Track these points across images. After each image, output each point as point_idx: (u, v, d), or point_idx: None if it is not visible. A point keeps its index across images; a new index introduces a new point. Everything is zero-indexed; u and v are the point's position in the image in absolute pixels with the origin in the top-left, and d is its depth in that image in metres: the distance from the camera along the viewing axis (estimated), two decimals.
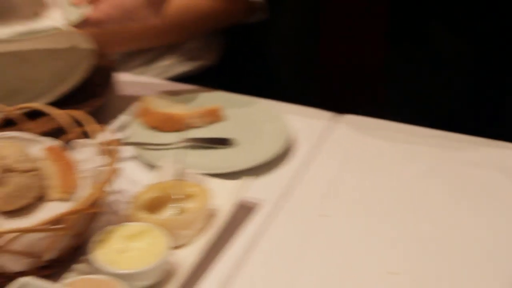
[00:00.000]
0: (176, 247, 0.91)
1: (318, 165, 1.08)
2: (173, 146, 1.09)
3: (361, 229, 0.97)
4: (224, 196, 0.96)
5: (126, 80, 1.30)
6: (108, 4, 1.13)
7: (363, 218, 0.99)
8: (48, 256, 0.86)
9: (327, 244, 0.95)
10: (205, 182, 0.98)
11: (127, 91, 1.27)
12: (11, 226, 0.89)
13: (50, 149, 0.98)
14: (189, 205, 0.95)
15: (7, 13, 1.14)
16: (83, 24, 1.13)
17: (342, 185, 1.04)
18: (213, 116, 1.15)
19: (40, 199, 0.95)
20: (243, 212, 0.98)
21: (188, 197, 0.95)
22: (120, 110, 1.22)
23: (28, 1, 1.18)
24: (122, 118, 1.19)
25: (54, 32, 1.10)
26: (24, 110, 1.03)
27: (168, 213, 0.95)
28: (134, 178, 1.05)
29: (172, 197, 0.95)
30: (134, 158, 1.09)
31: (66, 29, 1.10)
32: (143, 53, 1.53)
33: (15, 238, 0.82)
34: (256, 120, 1.16)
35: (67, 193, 0.94)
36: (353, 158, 1.10)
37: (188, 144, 1.08)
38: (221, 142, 1.10)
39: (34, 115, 1.09)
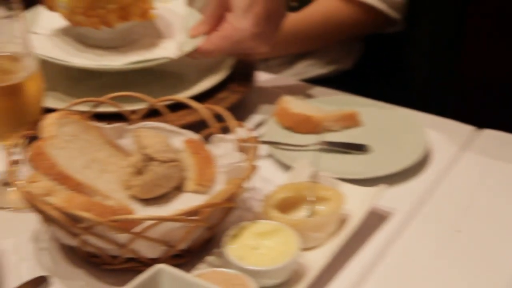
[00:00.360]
0: (306, 249, 0.91)
1: (454, 178, 1.06)
2: (308, 148, 1.10)
3: (496, 248, 0.94)
4: (356, 202, 0.96)
5: (265, 79, 1.32)
6: (218, 36, 1.19)
7: (498, 236, 0.96)
8: (181, 245, 0.88)
9: (459, 261, 0.92)
10: (339, 186, 0.98)
11: (265, 90, 1.29)
12: (148, 213, 0.93)
13: (190, 142, 1.01)
14: (322, 208, 0.95)
15: (129, 45, 1.22)
16: (193, 54, 1.20)
17: (478, 200, 1.02)
18: (350, 121, 1.15)
19: (176, 189, 0.97)
20: (374, 219, 0.98)
21: (320, 200, 0.95)
22: (257, 108, 1.24)
23: (148, 33, 1.25)
24: (259, 116, 1.21)
25: (164, 62, 1.17)
26: (167, 102, 1.06)
27: (300, 214, 0.95)
28: (267, 177, 1.06)
29: (305, 198, 0.95)
30: (268, 157, 1.10)
31: (176, 58, 1.17)
32: (278, 58, 1.54)
33: (152, 225, 0.84)
34: (393, 128, 1.14)
35: (203, 186, 0.96)
36: (491, 174, 1.06)
37: (324, 147, 1.08)
38: (357, 148, 1.09)
39: (176, 107, 1.12)
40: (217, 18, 1.21)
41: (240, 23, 1.17)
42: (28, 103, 0.96)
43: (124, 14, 1.16)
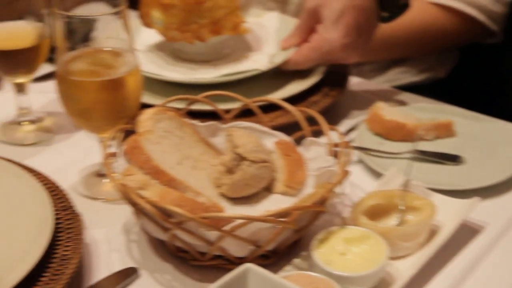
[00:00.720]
0: (394, 258, 0.90)
1: None
2: (399, 155, 1.08)
3: None
4: (448, 213, 0.94)
5: (357, 84, 1.31)
6: (308, 47, 1.21)
7: None
8: (268, 246, 0.88)
9: None
10: (430, 196, 0.96)
11: (357, 94, 1.28)
12: (237, 212, 0.93)
13: (281, 144, 1.01)
14: (412, 217, 0.93)
15: (221, 58, 1.26)
16: (284, 65, 1.22)
17: None
18: (444, 131, 1.13)
19: (265, 190, 0.98)
20: (465, 232, 0.96)
21: (411, 209, 0.94)
22: (348, 112, 1.23)
23: (240, 46, 1.28)
24: (350, 121, 1.20)
25: (254, 74, 1.20)
26: (261, 103, 1.07)
27: (389, 222, 0.94)
28: (356, 183, 1.05)
29: (395, 207, 0.94)
30: (358, 162, 1.10)
31: (265, 70, 1.20)
32: (373, 64, 1.53)
33: (242, 224, 0.85)
34: (488, 139, 1.12)
35: (293, 188, 0.96)
36: None
37: (416, 156, 1.07)
38: (450, 158, 1.07)
39: (269, 108, 1.13)
40: (307, 30, 1.22)
41: (330, 34, 1.17)
42: (128, 97, 0.98)
43: (216, 28, 1.19)
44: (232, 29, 1.20)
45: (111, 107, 0.98)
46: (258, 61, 1.22)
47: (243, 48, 1.28)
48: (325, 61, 1.21)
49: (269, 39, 1.29)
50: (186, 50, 1.26)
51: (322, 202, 0.89)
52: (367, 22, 1.18)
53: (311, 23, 1.22)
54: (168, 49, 1.28)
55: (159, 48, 1.29)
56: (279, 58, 1.23)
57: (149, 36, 1.28)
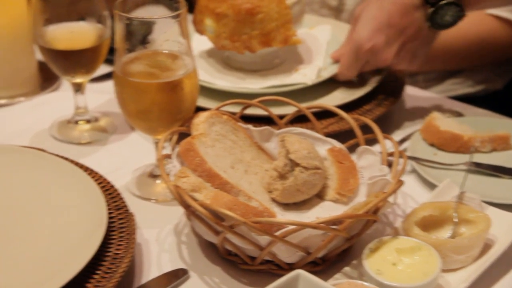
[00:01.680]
0: (446, 270, 0.89)
1: None
2: (454, 167, 1.07)
3: None
4: (503, 227, 0.92)
5: (412, 93, 1.30)
6: (344, 55, 1.20)
7: None
8: (318, 253, 0.88)
9: None
10: (485, 209, 0.95)
11: (412, 104, 1.27)
12: (287, 218, 0.93)
13: (334, 151, 1.00)
14: (466, 230, 0.92)
15: (270, 68, 1.26)
16: (335, 77, 1.22)
17: None
18: (501, 143, 1.11)
19: (317, 196, 0.97)
20: None
21: (465, 221, 0.93)
22: (402, 122, 1.22)
23: (289, 58, 1.29)
24: (403, 131, 1.19)
25: (300, 87, 1.20)
26: (315, 109, 1.07)
27: (442, 234, 0.93)
28: (409, 193, 1.04)
29: (449, 219, 0.93)
30: (411, 172, 1.09)
31: (311, 84, 1.20)
32: (427, 74, 1.52)
33: (294, 230, 0.84)
34: None
35: (344, 196, 0.96)
36: None
37: (471, 168, 1.05)
38: (508, 172, 1.06)
39: (322, 115, 1.12)
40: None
41: (357, 32, 1.17)
42: (184, 100, 0.99)
43: (266, 40, 1.19)
44: (282, 41, 1.20)
45: (167, 109, 0.99)
46: (306, 75, 1.23)
47: (293, 59, 1.29)
48: (361, 61, 1.19)
49: (319, 51, 1.29)
50: (236, 59, 1.27)
51: (375, 211, 0.88)
52: (403, 19, 1.16)
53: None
54: (218, 56, 1.30)
55: (209, 54, 1.30)
56: (327, 72, 1.23)
57: (200, 43, 1.29)
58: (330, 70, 1.23)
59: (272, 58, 1.28)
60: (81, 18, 1.12)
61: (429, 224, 0.93)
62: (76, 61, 1.11)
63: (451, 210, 0.93)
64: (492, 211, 0.95)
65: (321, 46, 1.30)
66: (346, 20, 1.50)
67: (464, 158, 1.08)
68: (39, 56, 1.21)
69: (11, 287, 0.85)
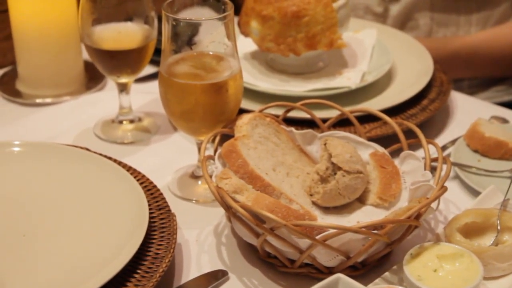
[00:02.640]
0: (487, 278, 0.88)
1: None
2: (498, 174, 1.06)
3: None
4: None
5: (457, 99, 1.29)
6: None
7: None
8: (358, 258, 0.88)
9: None
10: None
11: (456, 110, 1.26)
12: (328, 221, 0.93)
13: (376, 155, 1.00)
14: (509, 238, 0.91)
15: (314, 72, 1.27)
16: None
17: None
18: None
19: (358, 200, 0.97)
20: None
21: (508, 229, 0.92)
22: (446, 127, 1.21)
23: (334, 61, 1.29)
24: (447, 136, 1.18)
25: (344, 91, 1.20)
26: (359, 113, 1.06)
27: (484, 241, 0.92)
28: (451, 199, 1.03)
29: (491, 226, 0.92)
30: (454, 178, 1.08)
31: (355, 88, 1.20)
32: (472, 80, 1.51)
33: (334, 234, 0.84)
34: None
35: (386, 201, 0.95)
36: None
37: None
38: None
39: (365, 119, 1.12)
40: None
41: None
42: (228, 101, 0.99)
43: (311, 43, 1.19)
44: (327, 44, 1.20)
45: (211, 110, 0.99)
46: (351, 78, 1.22)
47: (337, 63, 1.28)
48: None
49: (364, 55, 1.29)
50: (280, 61, 1.27)
51: (417, 216, 0.87)
52: None
53: None
54: (261, 59, 1.30)
55: (253, 56, 1.31)
56: (372, 76, 1.23)
57: (244, 44, 1.29)
58: (375, 75, 1.23)
59: (317, 61, 1.28)
60: (129, 18, 1.13)
61: (472, 231, 0.93)
62: (122, 61, 1.13)
63: (494, 218, 0.92)
64: None
65: (366, 50, 1.30)
66: (390, 26, 1.50)
67: (508, 165, 1.07)
68: (85, 55, 1.23)
69: (53, 284, 0.86)
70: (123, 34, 1.13)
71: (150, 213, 0.96)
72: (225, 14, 0.97)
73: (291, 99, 1.14)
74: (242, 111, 1.04)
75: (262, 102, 1.16)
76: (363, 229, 0.84)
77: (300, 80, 1.24)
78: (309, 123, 1.10)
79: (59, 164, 1.04)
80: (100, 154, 1.06)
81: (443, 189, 0.88)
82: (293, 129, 1.02)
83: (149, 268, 0.89)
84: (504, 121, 1.20)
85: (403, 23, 1.49)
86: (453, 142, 1.14)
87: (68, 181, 1.01)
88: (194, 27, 0.98)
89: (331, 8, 1.19)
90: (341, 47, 1.21)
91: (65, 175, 1.02)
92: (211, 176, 0.92)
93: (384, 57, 1.27)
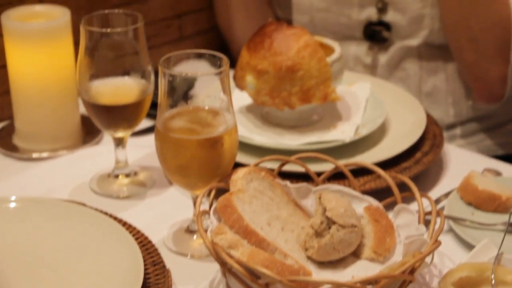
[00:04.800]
0: None
1: None
2: (492, 227, 1.06)
3: None
4: None
5: (450, 151, 1.30)
6: None
7: None
8: None
9: None
10: None
11: (450, 162, 1.27)
12: (323, 276, 0.93)
13: (371, 209, 1.00)
14: None
15: (308, 125, 1.28)
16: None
17: None
18: None
19: (353, 254, 0.97)
20: None
21: (502, 283, 0.91)
22: (440, 180, 1.22)
23: (328, 114, 1.30)
24: (441, 189, 1.19)
25: (338, 144, 1.21)
26: (353, 167, 1.07)
27: None
28: (445, 253, 1.04)
29: (486, 280, 0.92)
30: (448, 231, 1.08)
31: (349, 141, 1.21)
32: (466, 126, 1.52)
33: None
34: None
35: (381, 255, 0.95)
36: None
37: (510, 228, 1.04)
38: None
39: (359, 172, 1.13)
40: None
41: None
42: (224, 156, 1.00)
43: (305, 97, 1.21)
44: (321, 98, 1.22)
45: (207, 165, 1.00)
46: (345, 132, 1.24)
47: (332, 116, 1.30)
48: None
49: (358, 108, 1.30)
50: (275, 115, 1.28)
51: (411, 271, 0.88)
52: None
53: None
54: (256, 112, 1.31)
55: (248, 110, 1.32)
56: (366, 129, 1.24)
57: (239, 97, 1.31)
58: (369, 127, 1.24)
59: (311, 114, 1.29)
60: (126, 73, 1.14)
61: (466, 285, 0.92)
62: (119, 116, 1.14)
63: (488, 272, 0.92)
64: None
65: (360, 103, 1.31)
66: (380, 76, 1.52)
67: (502, 218, 1.08)
68: (82, 109, 1.24)
69: None
70: (120, 89, 1.14)
71: (145, 268, 0.96)
72: (220, 69, 0.98)
73: (286, 153, 1.15)
74: (238, 165, 1.05)
75: (257, 156, 1.17)
76: (358, 284, 0.84)
77: (295, 133, 1.26)
78: (304, 177, 1.11)
79: (55, 220, 1.04)
80: (96, 209, 1.06)
81: (437, 243, 0.89)
82: (288, 182, 1.03)
83: None
84: (497, 173, 1.21)
85: (392, 72, 1.51)
86: (446, 195, 1.15)
87: (63, 236, 1.01)
88: (190, 82, 0.99)
89: (325, 63, 1.21)
90: (335, 100, 1.22)
91: (61, 230, 1.02)
92: (206, 231, 0.92)
93: (377, 110, 1.28)
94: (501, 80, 1.43)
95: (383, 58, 1.51)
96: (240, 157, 1.17)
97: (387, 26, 1.48)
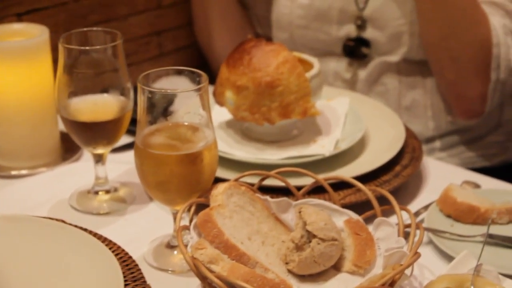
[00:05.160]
0: None
1: None
2: (471, 239, 1.07)
3: None
4: None
5: (429, 164, 1.31)
6: None
7: None
8: None
9: None
10: (504, 282, 0.94)
11: (429, 175, 1.28)
12: None
13: (351, 222, 1.01)
14: None
15: (288, 140, 1.29)
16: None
17: None
18: None
19: (333, 268, 0.98)
20: None
21: None
22: (420, 193, 1.23)
23: (308, 129, 1.31)
24: (421, 201, 1.20)
25: (318, 159, 1.22)
26: (332, 181, 1.08)
27: None
28: (425, 265, 1.04)
29: None
30: (428, 243, 1.09)
31: (329, 155, 1.22)
32: (445, 139, 1.53)
33: None
34: None
35: (361, 268, 0.96)
36: None
37: (489, 240, 1.05)
38: None
39: (339, 186, 1.13)
40: None
41: None
42: (203, 172, 1.00)
43: (285, 112, 1.22)
44: (301, 113, 1.22)
45: (187, 181, 1.00)
46: (325, 146, 1.25)
47: (311, 130, 1.31)
48: None
49: (337, 122, 1.31)
50: (255, 130, 1.29)
51: (391, 283, 0.88)
52: None
53: None
54: (236, 127, 1.32)
55: (228, 125, 1.32)
56: (345, 143, 1.25)
57: (219, 113, 1.31)
58: (348, 141, 1.25)
59: (291, 129, 1.30)
60: (105, 90, 1.14)
61: None
62: (98, 132, 1.14)
63: (468, 283, 0.93)
64: (509, 283, 0.95)
65: (339, 118, 1.32)
66: (360, 91, 1.53)
67: (481, 229, 1.08)
68: (61, 126, 1.24)
69: None
70: (99, 106, 1.14)
71: (126, 284, 0.95)
72: (199, 86, 0.99)
73: (267, 167, 1.15)
74: (218, 180, 1.05)
75: (238, 171, 1.17)
76: None
77: (275, 148, 1.26)
78: (285, 191, 1.11)
79: (34, 237, 1.03)
80: (76, 226, 1.06)
81: (417, 255, 0.89)
82: (268, 197, 1.03)
83: None
84: (476, 186, 1.22)
85: (372, 87, 1.53)
86: (426, 207, 1.16)
87: (42, 254, 1.01)
88: (169, 98, 0.99)
89: (304, 78, 1.22)
90: (314, 115, 1.23)
91: (40, 248, 1.02)
92: (186, 246, 0.92)
93: (357, 125, 1.29)
94: (481, 97, 1.44)
95: (363, 73, 1.52)
96: (221, 173, 1.17)
97: (366, 43, 1.49)
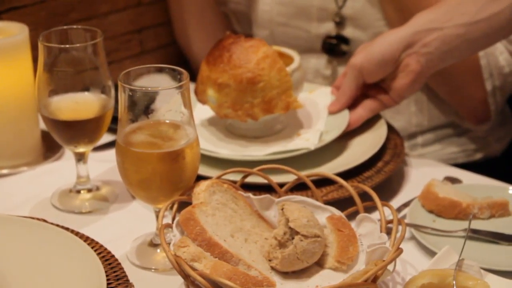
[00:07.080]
0: None
1: None
2: (453, 234, 1.08)
3: None
4: None
5: (411, 160, 1.31)
6: (362, 108, 1.28)
7: None
8: None
9: None
10: (485, 277, 0.95)
11: (411, 171, 1.28)
12: (288, 287, 0.93)
13: (333, 218, 1.01)
14: None
15: (272, 135, 1.29)
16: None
17: None
18: (500, 210, 1.11)
19: (316, 264, 0.98)
20: None
21: None
22: (402, 189, 1.23)
23: (291, 123, 1.31)
24: (403, 197, 1.20)
25: (303, 152, 1.22)
26: (315, 177, 1.08)
27: None
28: (408, 260, 1.05)
29: (448, 286, 0.93)
30: (410, 239, 1.09)
31: (314, 148, 1.22)
32: (427, 135, 1.54)
33: None
34: None
35: (344, 264, 0.96)
36: None
37: (470, 234, 1.06)
38: (506, 238, 1.06)
39: (322, 183, 1.13)
40: (355, 89, 1.26)
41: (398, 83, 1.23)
42: (185, 169, 1.00)
43: (268, 107, 1.22)
44: (284, 108, 1.22)
45: (169, 179, 1.00)
46: (309, 139, 1.24)
47: (294, 124, 1.31)
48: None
49: (320, 115, 1.31)
50: (238, 126, 1.29)
51: (374, 279, 0.88)
52: None
53: (358, 81, 1.26)
54: (220, 125, 1.32)
55: (211, 123, 1.32)
56: (330, 136, 1.25)
57: (202, 111, 1.31)
58: (332, 134, 1.25)
59: (274, 124, 1.30)
60: (86, 88, 1.14)
61: None
62: (80, 131, 1.13)
63: (450, 278, 0.93)
64: (491, 278, 0.95)
65: (321, 110, 1.32)
66: None
67: (462, 225, 1.09)
68: (42, 125, 1.23)
69: None
70: (80, 104, 1.13)
71: (108, 283, 0.95)
72: (181, 83, 0.98)
73: (250, 164, 1.15)
74: (201, 178, 1.05)
75: (222, 168, 1.17)
76: None
77: (259, 144, 1.26)
78: (267, 188, 1.11)
79: (15, 237, 1.03)
80: (57, 225, 1.05)
81: (399, 251, 0.90)
82: (250, 194, 1.03)
83: None
84: (457, 181, 1.23)
85: None
86: (408, 203, 1.16)
87: (24, 253, 1.00)
88: (150, 96, 0.99)
89: (285, 72, 1.22)
90: (297, 108, 1.23)
91: (21, 248, 1.01)
92: (169, 244, 0.92)
93: (340, 116, 1.29)
94: (483, 104, 1.45)
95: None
96: (205, 170, 1.17)
97: (345, 41, 1.49)
